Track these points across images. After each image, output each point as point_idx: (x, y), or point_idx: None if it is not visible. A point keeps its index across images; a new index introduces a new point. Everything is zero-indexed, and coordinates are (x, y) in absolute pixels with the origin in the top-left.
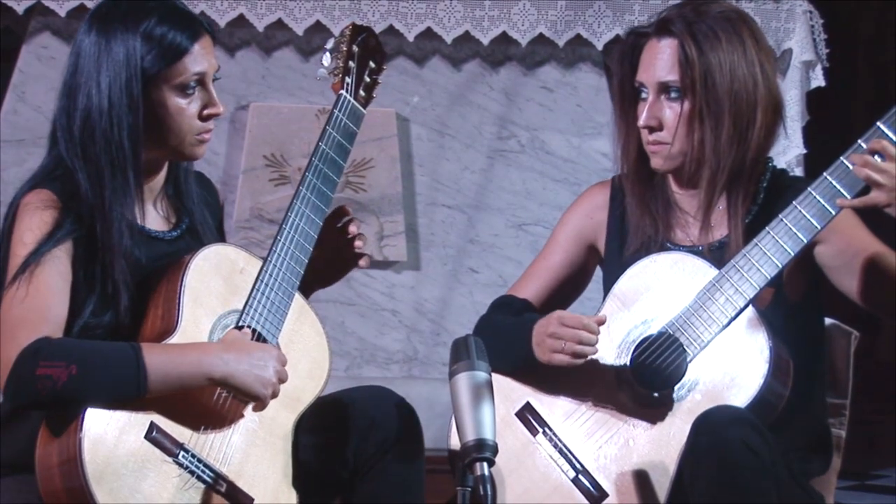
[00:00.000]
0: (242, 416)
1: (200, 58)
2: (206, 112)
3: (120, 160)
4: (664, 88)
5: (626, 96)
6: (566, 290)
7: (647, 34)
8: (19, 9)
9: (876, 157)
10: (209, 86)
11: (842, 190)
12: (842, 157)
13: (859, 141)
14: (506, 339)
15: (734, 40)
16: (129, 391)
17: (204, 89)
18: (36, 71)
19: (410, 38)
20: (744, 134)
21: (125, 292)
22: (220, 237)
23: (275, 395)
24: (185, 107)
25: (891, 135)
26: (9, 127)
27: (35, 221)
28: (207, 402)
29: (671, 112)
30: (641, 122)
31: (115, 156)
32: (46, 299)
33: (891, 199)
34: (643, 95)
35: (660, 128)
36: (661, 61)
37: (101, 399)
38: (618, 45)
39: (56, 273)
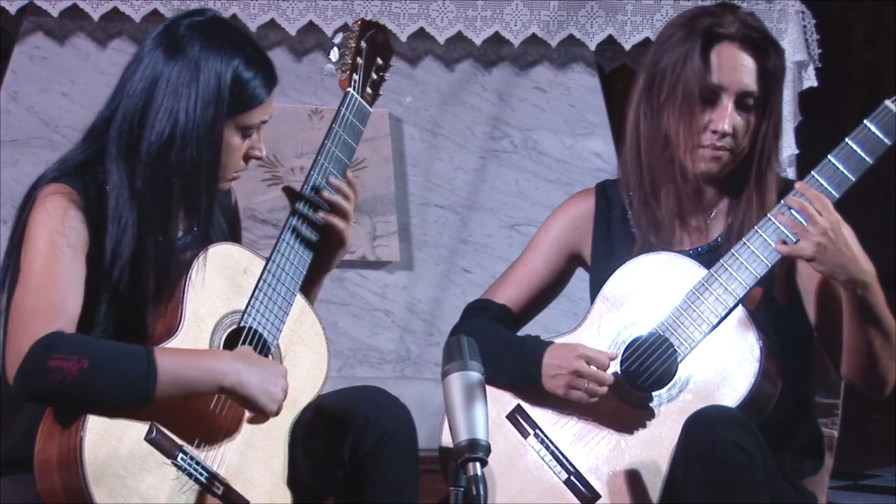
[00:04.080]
0: (241, 418)
1: (269, 106)
2: (250, 153)
3: (191, 192)
4: (744, 96)
5: (697, 94)
6: (543, 296)
7: (724, 35)
8: (11, 9)
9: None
10: (262, 131)
11: (830, 189)
12: (829, 156)
13: (846, 139)
14: (503, 356)
15: None
16: (139, 391)
17: (257, 133)
18: (28, 71)
19: (403, 38)
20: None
21: (150, 311)
22: (235, 236)
23: (278, 411)
24: (238, 147)
25: (878, 133)
26: (1, 127)
27: (57, 216)
28: (207, 405)
29: (744, 120)
30: (723, 126)
31: (187, 188)
32: (62, 292)
33: (815, 252)
34: (711, 98)
35: (733, 134)
36: (746, 70)
37: (110, 397)
38: (691, 41)
39: (72, 268)
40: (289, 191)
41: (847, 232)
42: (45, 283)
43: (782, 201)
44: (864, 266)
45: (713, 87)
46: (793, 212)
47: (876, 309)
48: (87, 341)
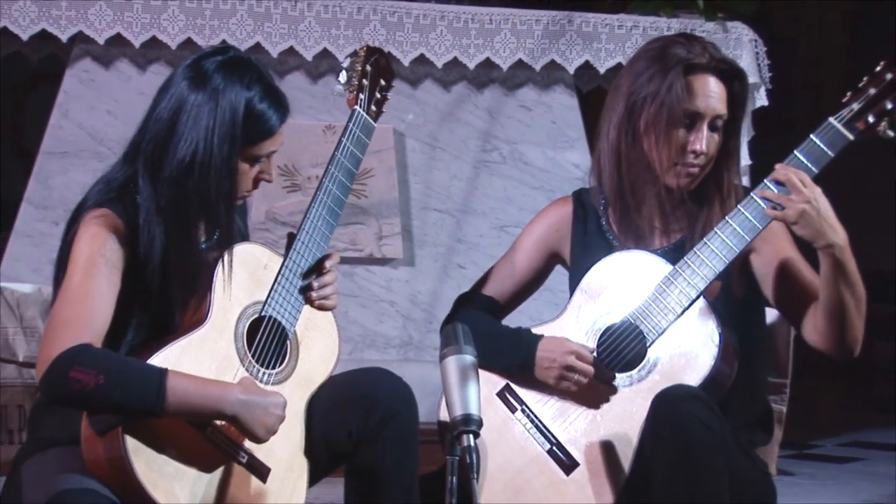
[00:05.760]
0: None
1: (278, 139)
2: (260, 177)
3: (209, 212)
4: (715, 119)
5: (681, 120)
6: (525, 290)
7: (698, 65)
8: (63, 37)
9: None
10: (272, 159)
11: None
12: (777, 165)
13: (795, 152)
14: (500, 347)
15: None
16: (146, 410)
17: (267, 160)
18: (78, 92)
19: (406, 63)
20: None
21: (178, 315)
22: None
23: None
24: (247, 172)
25: (822, 146)
26: (54, 141)
27: (99, 239)
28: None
29: (713, 140)
30: (701, 147)
31: (205, 209)
32: (94, 307)
33: (798, 217)
34: (689, 122)
35: (706, 153)
36: (718, 96)
37: (120, 411)
38: (673, 73)
39: (107, 285)
40: (290, 237)
41: (825, 202)
42: (80, 298)
43: (765, 180)
44: (840, 233)
45: (692, 112)
46: (770, 185)
47: (851, 271)
48: (108, 357)
